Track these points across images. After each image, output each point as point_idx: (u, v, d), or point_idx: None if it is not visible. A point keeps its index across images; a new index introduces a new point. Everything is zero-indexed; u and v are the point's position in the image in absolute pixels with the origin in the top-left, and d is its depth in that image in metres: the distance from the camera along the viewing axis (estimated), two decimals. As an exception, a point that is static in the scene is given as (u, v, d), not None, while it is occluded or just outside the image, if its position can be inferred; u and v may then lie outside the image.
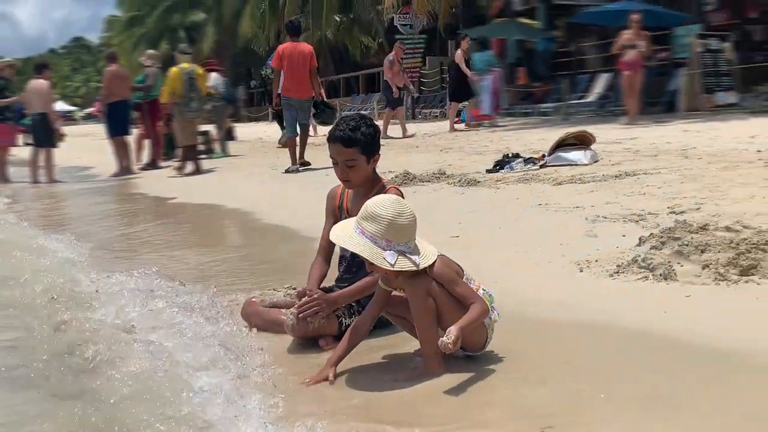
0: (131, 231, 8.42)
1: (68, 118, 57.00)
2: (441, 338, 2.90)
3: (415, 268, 3.02)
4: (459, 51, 18.47)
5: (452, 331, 2.89)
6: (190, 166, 13.83)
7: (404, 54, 26.47)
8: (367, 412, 2.86)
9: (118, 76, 15.53)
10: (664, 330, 3.44)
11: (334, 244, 3.71)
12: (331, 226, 3.50)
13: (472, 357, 3.23)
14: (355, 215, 3.27)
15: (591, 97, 21.05)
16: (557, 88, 22.83)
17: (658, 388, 2.82)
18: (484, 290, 3.23)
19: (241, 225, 8.34)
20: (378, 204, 3.07)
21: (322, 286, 3.80)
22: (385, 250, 3.01)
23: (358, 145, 3.57)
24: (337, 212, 3.85)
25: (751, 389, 2.78)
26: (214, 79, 17.97)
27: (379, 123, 23.41)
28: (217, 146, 17.48)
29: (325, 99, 14.37)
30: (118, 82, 15.32)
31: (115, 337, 3.71)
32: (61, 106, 52.76)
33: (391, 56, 19.08)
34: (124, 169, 15.02)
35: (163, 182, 13.07)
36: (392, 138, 16.98)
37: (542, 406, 2.75)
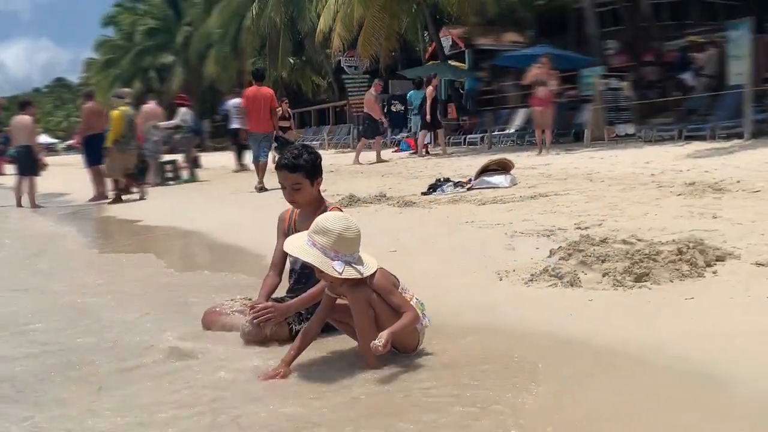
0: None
1: (51, 149, 55.67)
2: (373, 342, 2.92)
3: (360, 276, 3.04)
4: (430, 87, 18.09)
5: (383, 335, 2.93)
6: (117, 195, 13.84)
7: (350, 92, 26.76)
8: (310, 399, 2.86)
9: (95, 112, 15.24)
10: (569, 330, 3.49)
11: (285, 260, 3.73)
12: (282, 244, 3.52)
13: (408, 356, 3.25)
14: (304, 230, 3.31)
15: (511, 129, 21.32)
16: (482, 121, 23.12)
17: (556, 377, 2.89)
18: (417, 299, 3.26)
19: (201, 244, 8.19)
20: (328, 219, 3.10)
21: (274, 296, 3.81)
22: (334, 260, 3.03)
23: (301, 170, 3.64)
24: (287, 232, 3.85)
25: (635, 381, 2.85)
26: (183, 113, 17.97)
27: (329, 152, 23.49)
28: (185, 173, 17.27)
29: (283, 133, 15.10)
30: (95, 117, 15.04)
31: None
32: (44, 138, 51.47)
33: (373, 91, 18.87)
34: (100, 195, 14.75)
35: (132, 207, 12.86)
36: (361, 164, 17.12)
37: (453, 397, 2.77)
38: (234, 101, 18.81)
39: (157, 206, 12.30)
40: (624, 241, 4.86)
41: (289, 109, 15.98)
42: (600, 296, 3.94)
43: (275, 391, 2.99)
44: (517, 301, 4.08)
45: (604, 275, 4.21)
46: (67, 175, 20.85)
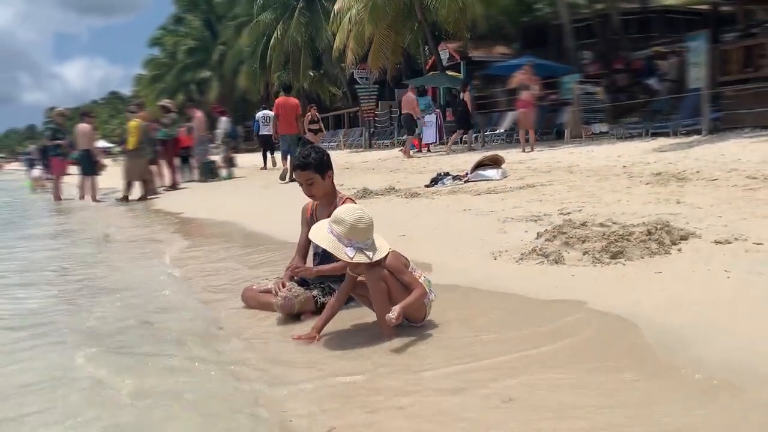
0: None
1: (107, 152, 55.81)
2: (387, 314, 2.94)
3: (369, 261, 3.05)
4: (467, 92, 18.22)
5: (396, 309, 2.95)
6: (132, 195, 13.94)
7: (361, 99, 26.67)
8: (337, 361, 2.92)
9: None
10: (554, 299, 3.50)
11: (309, 245, 3.76)
12: (306, 232, 3.61)
13: (416, 326, 3.26)
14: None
15: (501, 129, 21.21)
16: (476, 123, 22.95)
17: (539, 334, 2.89)
18: (425, 277, 3.28)
19: (239, 231, 8.15)
20: (344, 211, 3.11)
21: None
22: (347, 247, 3.04)
23: (310, 167, 3.68)
24: (309, 221, 3.88)
25: (610, 341, 2.86)
26: (223, 122, 18.34)
27: (344, 152, 23.41)
28: (223, 171, 17.34)
29: (314, 134, 15.41)
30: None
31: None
32: (102, 143, 51.63)
33: (410, 93, 18.89)
34: (151, 191, 14.76)
35: (176, 201, 12.87)
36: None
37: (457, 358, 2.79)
38: (262, 113, 19.78)
39: (200, 199, 12.35)
40: (601, 224, 4.85)
41: (317, 114, 16.04)
42: (581, 272, 3.93)
43: (304, 349, 3.12)
44: (509, 275, 4.08)
45: (584, 253, 4.21)
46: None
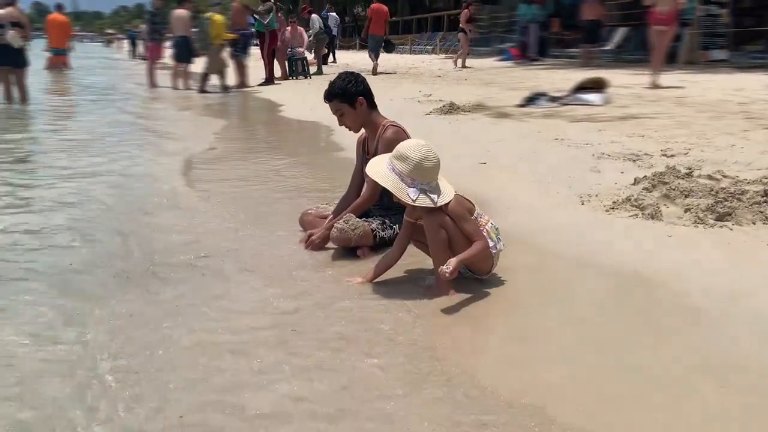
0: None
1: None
2: (441, 267, 2.58)
3: (432, 205, 2.67)
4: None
5: (452, 262, 2.59)
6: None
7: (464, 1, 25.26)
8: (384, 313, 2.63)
9: (240, 11, 14.93)
10: (645, 268, 3.02)
11: (363, 179, 3.42)
12: (359, 165, 3.44)
13: (480, 279, 2.90)
14: (372, 151, 3.18)
15: (610, 46, 19.69)
16: (583, 37, 21.40)
17: (622, 316, 2.48)
18: (492, 224, 2.89)
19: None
20: (409, 147, 2.72)
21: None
22: (410, 187, 2.67)
23: (335, 98, 3.34)
24: (360, 152, 3.57)
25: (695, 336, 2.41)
26: (313, 20, 18.27)
27: (439, 56, 22.70)
28: (313, 68, 17.04)
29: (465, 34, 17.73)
30: (240, 15, 14.74)
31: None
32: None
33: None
34: (241, 83, 14.66)
35: (273, 93, 12.71)
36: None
37: (521, 329, 2.43)
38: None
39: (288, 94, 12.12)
40: (709, 176, 4.23)
41: (471, 14, 17.98)
42: (679, 233, 3.43)
43: (351, 294, 2.86)
44: (595, 228, 3.62)
45: (686, 210, 3.68)
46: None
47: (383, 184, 2.73)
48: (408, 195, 2.67)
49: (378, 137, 3.35)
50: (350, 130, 3.47)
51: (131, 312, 2.65)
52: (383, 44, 16.85)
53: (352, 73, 3.48)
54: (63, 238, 3.67)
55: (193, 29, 14.13)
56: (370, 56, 16.63)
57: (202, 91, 13.67)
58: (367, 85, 3.44)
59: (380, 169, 2.76)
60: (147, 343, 2.37)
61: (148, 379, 2.13)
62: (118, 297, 2.81)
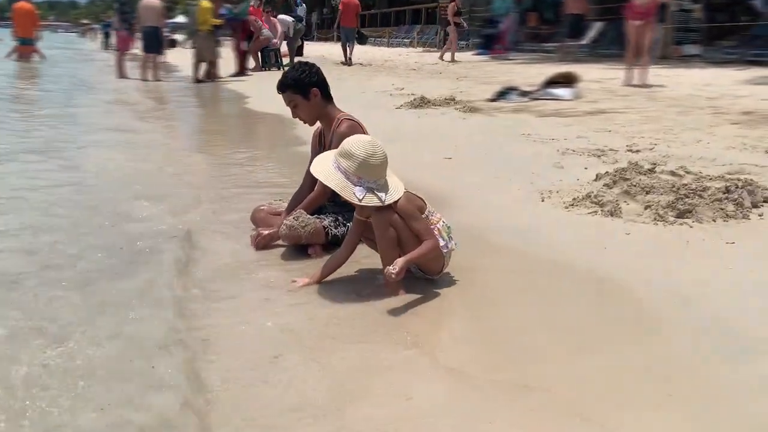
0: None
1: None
2: (387, 267, 2.48)
3: (380, 204, 2.57)
4: None
5: (398, 262, 2.49)
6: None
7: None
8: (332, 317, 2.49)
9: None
10: (600, 267, 2.94)
11: None
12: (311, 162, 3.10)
13: (431, 279, 2.81)
14: (327, 145, 3.05)
15: (585, 41, 19.69)
16: (559, 31, 21.41)
17: (578, 316, 2.39)
18: (444, 223, 2.78)
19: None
20: (354, 144, 2.59)
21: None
22: (356, 186, 2.55)
23: (288, 89, 3.19)
24: (315, 145, 3.41)
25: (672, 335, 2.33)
26: (300, 9, 19.06)
27: (417, 50, 22.59)
28: (285, 59, 16.85)
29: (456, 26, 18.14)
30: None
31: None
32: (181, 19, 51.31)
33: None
34: (212, 74, 14.42)
35: (243, 86, 12.53)
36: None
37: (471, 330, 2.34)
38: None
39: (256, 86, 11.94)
40: (672, 173, 4.19)
41: (458, 7, 18.36)
42: (638, 230, 3.37)
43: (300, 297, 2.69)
44: (554, 226, 3.54)
45: (646, 207, 3.63)
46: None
47: (327, 183, 2.60)
48: (354, 194, 2.56)
49: (332, 131, 3.23)
50: (304, 122, 3.33)
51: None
52: (357, 36, 17.67)
53: (307, 63, 3.33)
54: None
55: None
56: (342, 48, 17.52)
57: (197, 80, 13.52)
58: (322, 75, 3.30)
59: (325, 167, 2.63)
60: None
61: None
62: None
